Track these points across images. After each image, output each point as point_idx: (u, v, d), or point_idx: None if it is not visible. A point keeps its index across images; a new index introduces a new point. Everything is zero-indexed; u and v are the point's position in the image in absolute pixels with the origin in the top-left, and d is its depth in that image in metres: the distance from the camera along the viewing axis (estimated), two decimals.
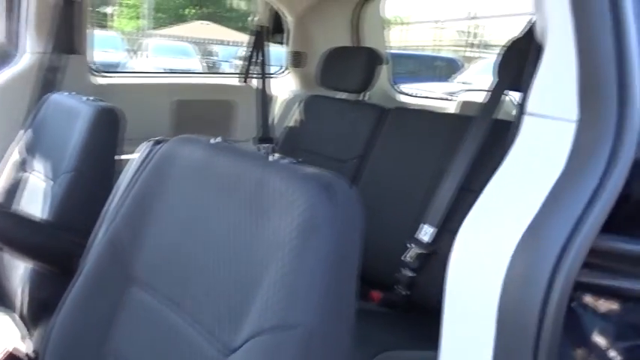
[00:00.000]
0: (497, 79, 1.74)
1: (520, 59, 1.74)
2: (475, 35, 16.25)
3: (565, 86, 0.55)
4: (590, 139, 0.52)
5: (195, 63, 14.74)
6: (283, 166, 0.80)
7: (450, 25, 17.27)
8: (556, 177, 0.54)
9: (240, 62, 2.60)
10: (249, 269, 0.73)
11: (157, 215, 0.92)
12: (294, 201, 0.72)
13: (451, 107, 2.50)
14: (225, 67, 15.28)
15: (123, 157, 1.76)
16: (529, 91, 0.61)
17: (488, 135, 1.69)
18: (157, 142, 1.03)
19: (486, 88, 2.25)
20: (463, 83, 9.76)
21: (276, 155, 0.83)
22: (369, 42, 2.63)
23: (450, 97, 2.79)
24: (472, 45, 16.24)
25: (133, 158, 1.08)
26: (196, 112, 2.44)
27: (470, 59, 15.31)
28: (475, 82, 9.59)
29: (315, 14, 2.52)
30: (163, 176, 0.94)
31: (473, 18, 16.22)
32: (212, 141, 0.93)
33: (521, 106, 0.76)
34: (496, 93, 1.72)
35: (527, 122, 0.60)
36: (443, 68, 11.83)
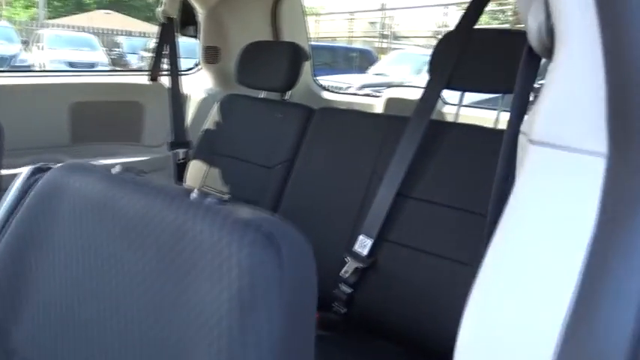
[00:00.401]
0: (430, 77, 1.63)
1: (453, 54, 1.66)
2: (385, 26, 16.50)
3: (588, 108, 0.42)
4: (628, 179, 0.39)
5: (100, 55, 13.85)
6: (210, 208, 0.61)
7: (362, 17, 17.42)
8: (589, 233, 0.40)
9: (150, 55, 2.32)
10: (167, 353, 0.54)
11: (40, 270, 0.70)
12: (227, 259, 0.54)
13: (377, 104, 2.38)
14: (133, 60, 14.48)
15: (4, 172, 1.48)
16: (535, 113, 0.46)
17: (425, 137, 1.58)
18: (39, 170, 0.80)
19: (413, 84, 2.14)
20: (377, 74, 9.85)
21: (197, 193, 0.63)
22: (289, 36, 2.45)
23: (375, 94, 2.67)
24: (383, 36, 16.49)
25: (18, 174, 0.84)
26: (99, 116, 2.15)
27: (382, 50, 15.56)
28: (388, 73, 9.71)
29: (229, 5, 2.30)
30: (48, 217, 0.73)
31: (382, 9, 16.45)
32: (113, 170, 0.72)
33: (514, 127, 0.62)
34: (431, 92, 1.61)
35: (535, 154, 0.46)
36: (358, 60, 11.88)
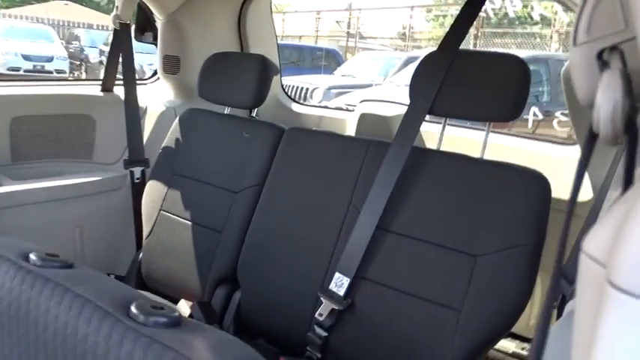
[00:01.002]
0: (411, 101, 1.49)
1: (437, 78, 1.52)
2: (352, 26, 16.42)
3: None
4: None
5: (58, 48, 13.27)
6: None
7: (328, 16, 17.29)
8: None
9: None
10: None
11: None
12: None
13: (350, 119, 2.24)
14: (92, 55, 13.95)
15: None
16: (621, 250, 0.32)
17: (407, 165, 1.44)
18: None
19: (386, 97, 2.01)
20: (344, 75, 9.73)
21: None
22: (257, 46, 2.27)
23: (348, 108, 2.53)
24: (350, 35, 16.41)
25: None
26: (44, 131, 1.93)
27: (348, 49, 15.46)
28: (356, 74, 9.60)
29: (190, 11, 2.11)
30: None
31: (349, 10, 16.38)
32: (31, 260, 0.55)
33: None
34: (412, 118, 1.47)
35: (622, 307, 0.32)
36: (324, 59, 11.74)
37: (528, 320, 1.99)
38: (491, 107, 1.39)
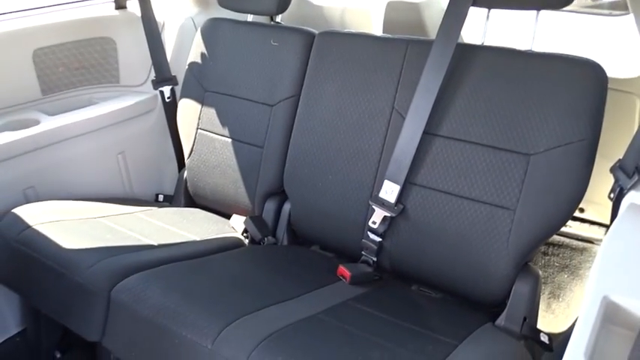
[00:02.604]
0: None
1: None
2: None
3: None
4: None
5: None
6: None
7: None
8: None
9: None
10: None
11: None
12: None
13: (377, 8, 2.11)
14: None
15: None
16: None
17: (452, 64, 1.38)
18: None
19: None
20: None
21: None
22: None
23: None
24: None
25: None
26: (67, 61, 1.88)
27: None
28: None
29: None
30: None
31: None
32: None
33: None
34: (456, 8, 1.38)
35: None
36: None
37: None
38: None
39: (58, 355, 1.63)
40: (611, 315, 0.82)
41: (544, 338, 1.32)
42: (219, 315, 1.12)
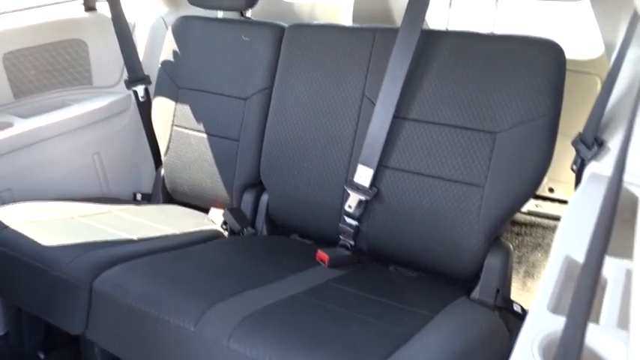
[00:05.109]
0: None
1: None
2: None
3: None
4: None
5: None
6: None
7: None
8: None
9: None
10: None
11: None
12: None
13: (346, 1, 2.15)
14: None
15: None
16: None
17: (418, 50, 1.43)
18: None
19: None
20: None
21: None
22: None
23: None
24: None
25: None
26: (39, 64, 1.88)
27: None
28: None
29: None
30: None
31: None
32: None
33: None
34: None
35: None
36: None
37: None
38: None
39: (42, 356, 1.63)
40: (572, 272, 0.87)
41: (517, 308, 1.37)
42: (200, 298, 1.14)
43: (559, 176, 2.14)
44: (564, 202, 2.24)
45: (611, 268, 0.83)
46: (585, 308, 0.46)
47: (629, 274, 0.82)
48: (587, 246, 0.46)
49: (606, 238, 0.44)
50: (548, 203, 2.26)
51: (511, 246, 1.43)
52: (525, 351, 0.67)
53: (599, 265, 0.45)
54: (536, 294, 0.81)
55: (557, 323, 0.71)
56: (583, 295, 0.46)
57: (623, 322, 0.72)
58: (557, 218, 2.22)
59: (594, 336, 0.69)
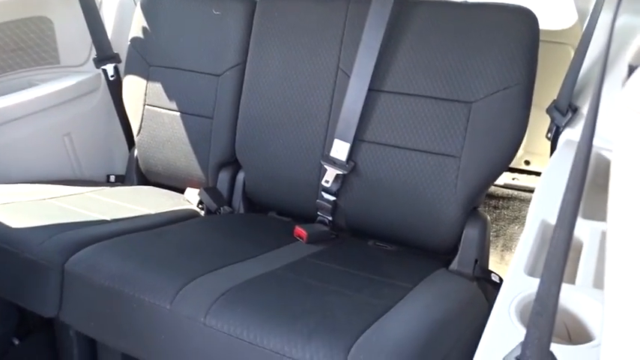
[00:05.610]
0: None
1: None
2: None
3: None
4: None
5: None
6: None
7: None
8: None
9: None
10: None
11: None
12: None
13: None
14: None
15: None
16: None
17: (391, 21, 1.41)
18: None
19: None
20: None
21: None
22: None
23: None
24: None
25: None
26: (2, 43, 1.81)
27: None
28: None
29: None
30: None
31: None
32: None
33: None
34: None
35: None
36: None
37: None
38: None
39: (17, 342, 1.60)
40: (548, 236, 0.87)
41: (495, 278, 1.38)
42: (176, 276, 1.12)
43: (535, 148, 2.15)
44: (540, 174, 2.26)
45: (587, 230, 0.83)
46: (559, 265, 0.45)
47: (604, 236, 0.82)
48: (560, 204, 0.45)
49: (578, 197, 0.44)
50: (524, 176, 2.27)
51: (488, 217, 1.43)
52: (503, 312, 0.67)
53: (571, 223, 0.45)
54: (513, 258, 0.81)
55: (534, 285, 0.71)
56: (557, 253, 0.46)
57: (599, 282, 0.72)
58: (533, 191, 2.24)
59: (571, 296, 0.70)
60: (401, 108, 1.42)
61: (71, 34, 1.96)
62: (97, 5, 1.94)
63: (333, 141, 1.48)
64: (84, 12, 1.90)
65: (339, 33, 1.51)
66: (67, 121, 1.89)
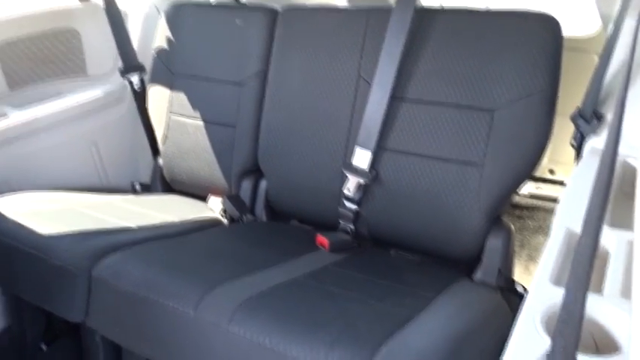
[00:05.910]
0: None
1: None
2: None
3: None
4: None
5: None
6: None
7: None
8: None
9: None
10: None
11: None
12: None
13: None
14: None
15: None
16: None
17: (412, 29, 1.41)
18: None
19: None
20: None
21: None
22: None
23: None
24: None
25: None
26: (33, 54, 1.87)
27: None
28: None
29: None
30: None
31: None
32: None
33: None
34: None
35: None
36: None
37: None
38: None
39: (44, 348, 1.63)
40: (573, 245, 0.86)
41: (519, 288, 1.36)
42: (200, 283, 1.13)
43: (559, 157, 2.12)
44: (565, 184, 2.23)
45: (614, 239, 0.82)
46: (585, 272, 0.45)
47: (631, 246, 0.81)
48: (585, 214, 0.45)
49: (603, 204, 0.43)
50: (548, 185, 2.25)
51: (512, 226, 1.42)
52: (528, 323, 0.66)
53: (596, 231, 0.44)
54: (538, 267, 0.80)
55: (560, 295, 0.70)
56: (582, 263, 0.45)
57: (626, 292, 0.71)
58: (558, 200, 2.20)
59: (597, 307, 0.69)
60: (423, 116, 1.41)
61: (98, 45, 2.01)
62: (123, 16, 1.98)
63: (354, 149, 1.49)
64: (110, 23, 1.94)
65: (360, 41, 1.51)
66: (93, 130, 1.93)
